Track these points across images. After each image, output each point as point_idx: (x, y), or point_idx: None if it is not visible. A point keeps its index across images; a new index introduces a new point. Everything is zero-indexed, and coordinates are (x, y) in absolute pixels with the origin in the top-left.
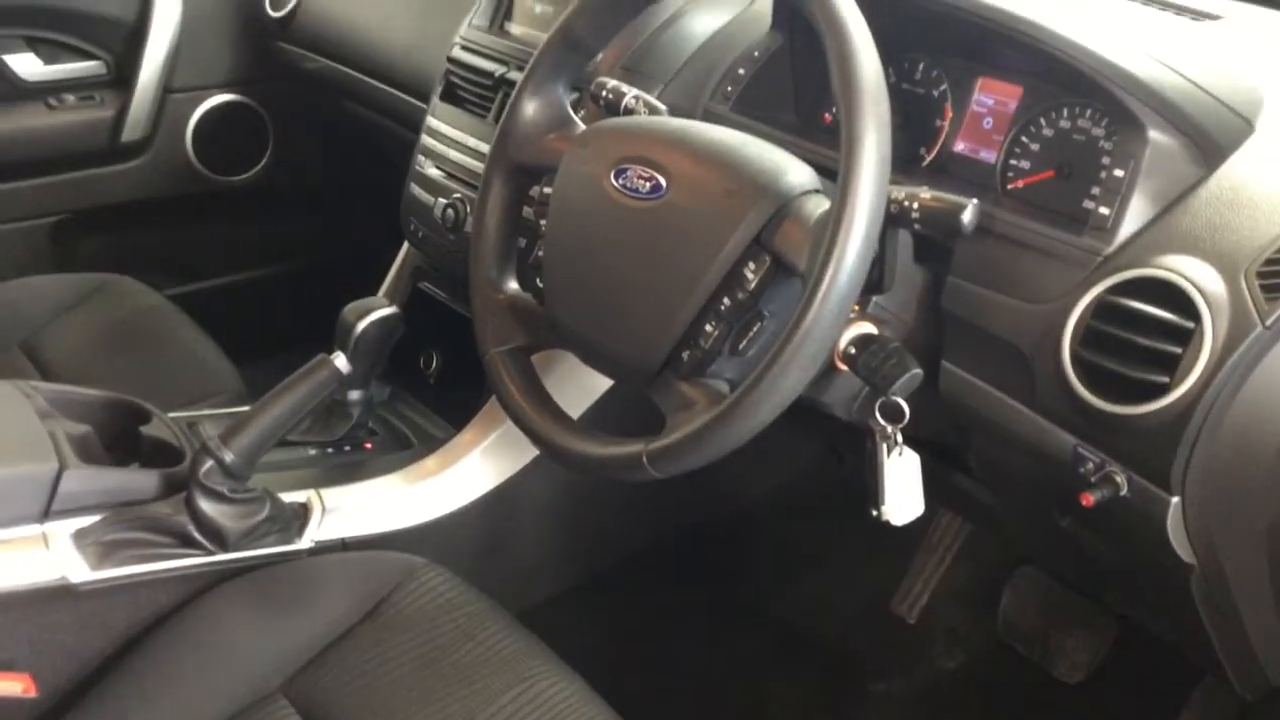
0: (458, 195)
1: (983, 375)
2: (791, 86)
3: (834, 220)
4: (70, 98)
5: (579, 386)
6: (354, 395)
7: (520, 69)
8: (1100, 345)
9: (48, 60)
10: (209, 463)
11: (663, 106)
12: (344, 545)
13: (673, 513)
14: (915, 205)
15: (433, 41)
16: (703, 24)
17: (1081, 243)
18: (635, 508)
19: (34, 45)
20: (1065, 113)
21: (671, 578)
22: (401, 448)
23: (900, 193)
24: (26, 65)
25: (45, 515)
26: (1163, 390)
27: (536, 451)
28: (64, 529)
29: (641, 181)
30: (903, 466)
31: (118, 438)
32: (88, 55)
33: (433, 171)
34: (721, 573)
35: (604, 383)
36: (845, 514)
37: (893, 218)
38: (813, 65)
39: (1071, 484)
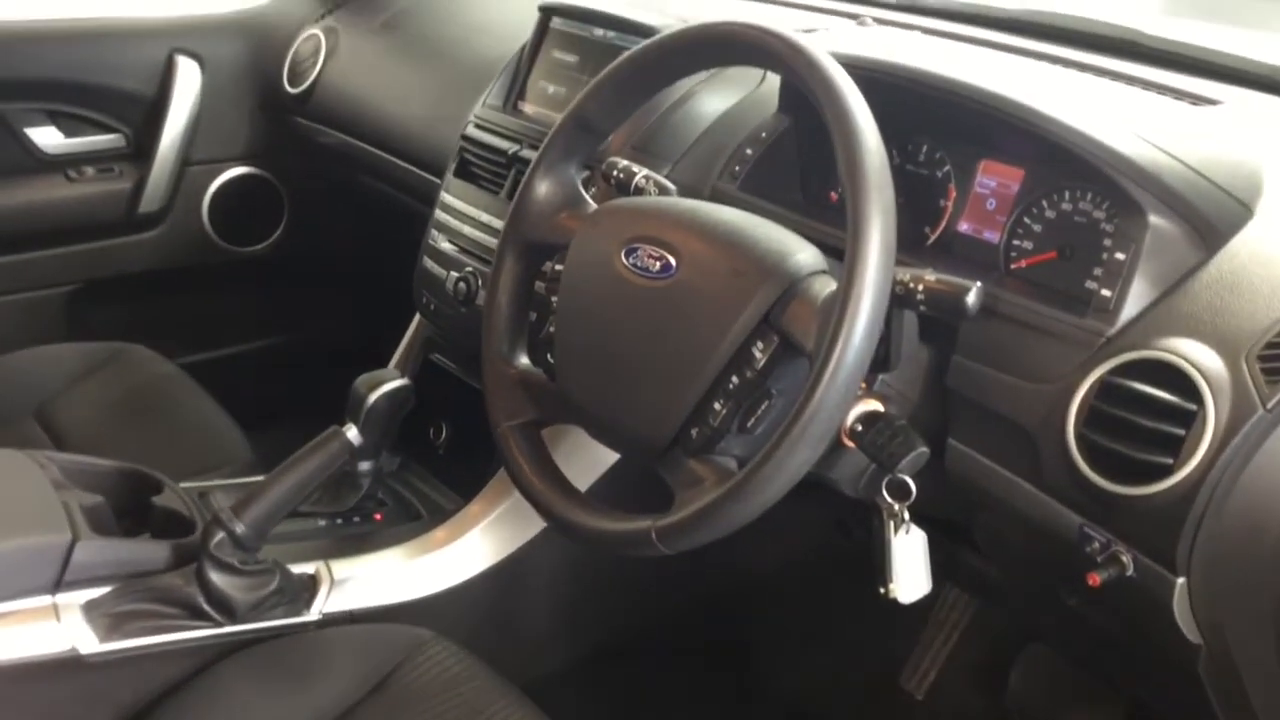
0: (470, 269)
1: (988, 453)
2: (798, 167)
3: (840, 302)
4: (90, 169)
5: (587, 460)
6: (364, 466)
7: (533, 147)
8: (1104, 426)
9: (68, 133)
10: (220, 534)
11: (672, 186)
12: (352, 617)
13: (681, 586)
14: (920, 287)
15: (447, 119)
16: (711, 105)
17: (1084, 324)
18: (643, 581)
19: (55, 118)
20: (1067, 195)
21: (680, 652)
22: (411, 518)
23: (905, 274)
24: (48, 138)
25: (57, 586)
26: (1167, 471)
27: (544, 524)
28: (74, 600)
29: (652, 261)
30: (910, 545)
31: (129, 507)
32: (107, 129)
33: (446, 246)
34: (730, 647)
35: (612, 456)
36: (854, 588)
37: (898, 299)
38: (818, 146)
39: (1078, 563)
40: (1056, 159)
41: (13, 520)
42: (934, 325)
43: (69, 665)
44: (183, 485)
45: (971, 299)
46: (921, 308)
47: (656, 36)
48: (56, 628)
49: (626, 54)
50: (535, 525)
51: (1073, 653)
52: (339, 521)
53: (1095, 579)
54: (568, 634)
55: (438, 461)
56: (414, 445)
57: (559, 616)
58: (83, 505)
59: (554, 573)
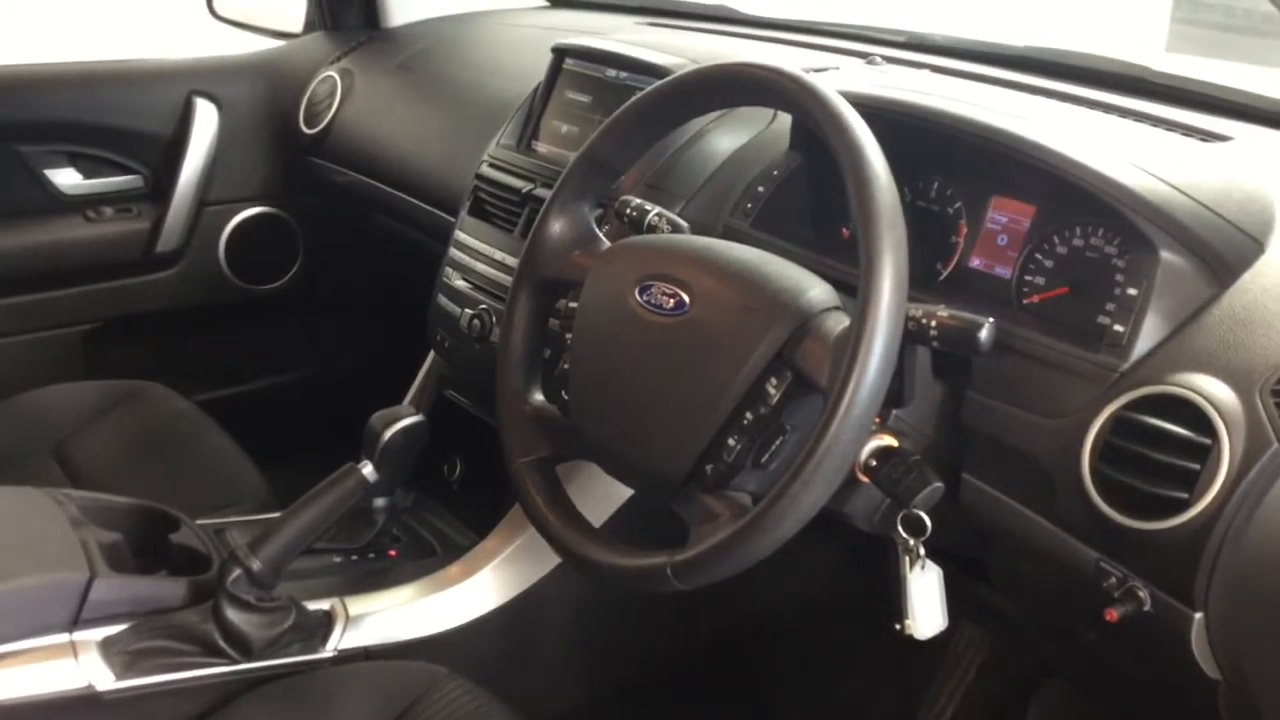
0: (484, 306)
1: (1003, 488)
2: (809, 204)
3: (854, 339)
4: (108, 210)
5: (600, 496)
6: (379, 502)
7: (546, 186)
8: (1119, 461)
9: (87, 174)
10: (237, 571)
11: (684, 224)
12: (367, 654)
13: (696, 621)
14: (933, 323)
15: (461, 158)
16: (722, 144)
17: (1098, 359)
18: (659, 616)
19: (75, 159)
20: (1078, 231)
21: (696, 687)
22: (425, 554)
23: (918, 310)
24: (67, 178)
25: (74, 624)
26: (1183, 506)
27: (559, 560)
28: (92, 638)
29: (665, 298)
30: (926, 580)
31: (146, 544)
32: (126, 169)
33: (460, 283)
34: (746, 682)
35: (625, 492)
36: (867, 623)
37: (911, 335)
38: (830, 184)
39: (1094, 598)
40: (1068, 195)
41: (31, 557)
42: (947, 360)
43: (86, 703)
44: (199, 522)
45: (985, 334)
46: (935, 343)
47: (670, 77)
48: (73, 665)
49: (640, 94)
50: (550, 561)
51: (1090, 688)
52: (354, 558)
53: (1113, 614)
54: (582, 669)
55: (451, 497)
56: (428, 481)
57: (573, 652)
58: (100, 542)
59: (568, 608)
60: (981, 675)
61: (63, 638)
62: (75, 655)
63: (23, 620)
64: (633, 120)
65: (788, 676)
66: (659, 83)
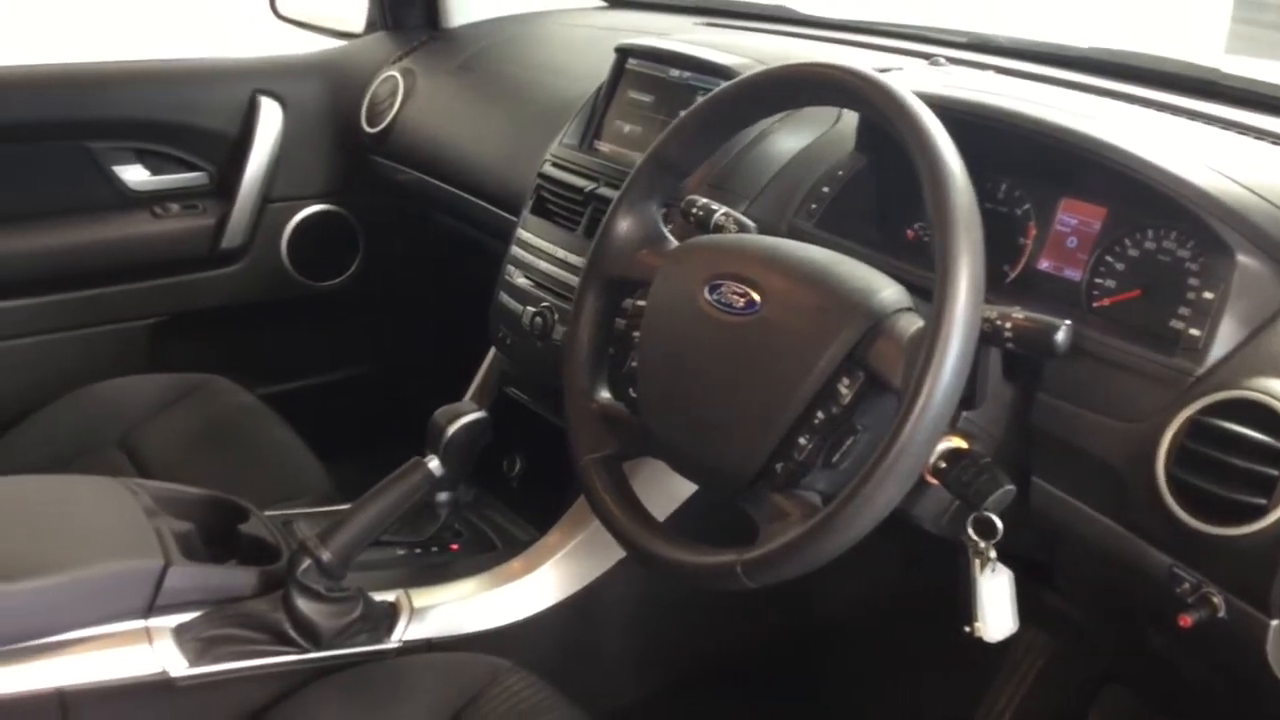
0: (546, 304)
1: (1075, 492)
2: (874, 204)
3: (930, 339)
4: (174, 206)
5: (661, 493)
6: (442, 497)
7: (609, 185)
8: (1195, 465)
9: (154, 170)
10: (307, 561)
11: (751, 224)
12: (430, 645)
13: (757, 620)
14: (1008, 325)
15: (522, 158)
16: (787, 144)
17: (1173, 363)
18: (718, 615)
19: (142, 156)
20: (1150, 234)
21: (754, 687)
22: (486, 549)
23: (993, 312)
24: (135, 175)
25: (149, 610)
26: (1260, 512)
27: (620, 555)
28: (166, 624)
29: (735, 297)
30: (997, 583)
31: (217, 535)
32: (192, 166)
33: (522, 281)
34: (804, 683)
35: (686, 490)
36: (928, 626)
37: (985, 336)
38: (895, 185)
39: (1166, 604)
40: (1140, 197)
41: (108, 545)
42: (1018, 362)
43: (160, 688)
44: (266, 514)
45: (1061, 337)
46: (1009, 345)
47: (742, 77)
48: (148, 651)
49: (711, 94)
50: (611, 557)
51: (1155, 696)
52: (418, 551)
53: (1187, 620)
54: (645, 665)
55: (511, 493)
56: (487, 477)
57: (634, 648)
58: (173, 531)
59: (629, 604)
60: (1041, 681)
61: (138, 624)
62: (150, 641)
63: (100, 606)
64: (702, 120)
65: (845, 678)
66: (729, 83)
